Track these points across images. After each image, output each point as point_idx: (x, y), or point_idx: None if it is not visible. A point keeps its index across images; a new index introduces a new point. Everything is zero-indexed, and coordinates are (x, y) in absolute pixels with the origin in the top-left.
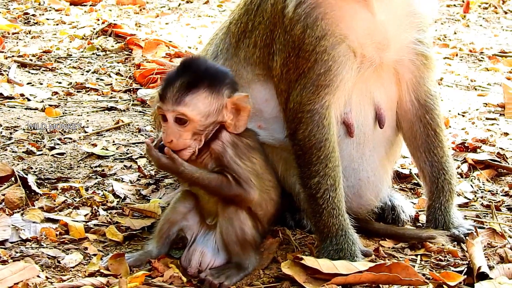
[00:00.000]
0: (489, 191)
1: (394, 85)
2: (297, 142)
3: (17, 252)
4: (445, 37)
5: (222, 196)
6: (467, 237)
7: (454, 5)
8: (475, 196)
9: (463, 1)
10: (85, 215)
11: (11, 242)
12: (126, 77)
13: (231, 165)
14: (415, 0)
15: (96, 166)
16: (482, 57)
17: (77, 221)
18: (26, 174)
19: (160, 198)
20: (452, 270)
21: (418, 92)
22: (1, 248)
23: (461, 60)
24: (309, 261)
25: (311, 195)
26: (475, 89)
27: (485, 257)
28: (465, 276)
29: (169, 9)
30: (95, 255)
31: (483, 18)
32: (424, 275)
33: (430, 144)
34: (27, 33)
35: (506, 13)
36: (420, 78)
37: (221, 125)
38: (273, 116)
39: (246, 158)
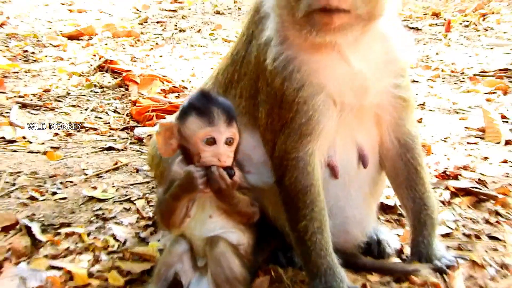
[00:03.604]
0: (470, 218)
1: (375, 127)
2: (284, 188)
3: None
4: (428, 58)
5: (242, 213)
6: (449, 269)
7: (436, 24)
8: (457, 225)
9: (445, 19)
10: (88, 261)
11: None
12: (123, 114)
13: (244, 187)
14: (393, 47)
15: (96, 210)
16: (463, 78)
17: (80, 268)
18: (31, 221)
19: (158, 241)
20: None
21: (398, 133)
22: None
23: (443, 81)
24: None
25: (300, 237)
26: (457, 113)
27: None
28: None
29: (163, 39)
30: None
31: (464, 37)
32: None
33: (411, 181)
34: (27, 72)
35: (486, 30)
36: (399, 119)
37: None
38: (261, 161)
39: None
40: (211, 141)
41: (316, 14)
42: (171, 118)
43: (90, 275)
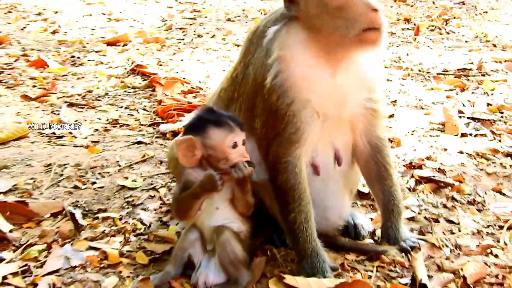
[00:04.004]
0: (430, 203)
1: (350, 132)
2: (276, 186)
3: (68, 278)
4: (400, 59)
5: (248, 203)
6: (412, 250)
7: (408, 28)
8: (420, 209)
9: (415, 24)
10: (120, 242)
11: (64, 269)
12: (151, 112)
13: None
14: (366, 67)
15: (127, 197)
16: (428, 77)
17: (113, 248)
18: (75, 208)
19: (176, 225)
20: (399, 282)
21: (370, 137)
22: (56, 275)
23: (412, 80)
24: (289, 279)
25: (290, 227)
26: (422, 108)
27: (426, 267)
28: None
29: (184, 44)
30: (128, 277)
31: (430, 39)
32: (378, 286)
33: (381, 177)
34: (74, 75)
35: (448, 33)
36: (371, 126)
37: None
38: (257, 162)
39: None
40: (235, 145)
41: (369, 32)
42: (186, 123)
43: (121, 254)
